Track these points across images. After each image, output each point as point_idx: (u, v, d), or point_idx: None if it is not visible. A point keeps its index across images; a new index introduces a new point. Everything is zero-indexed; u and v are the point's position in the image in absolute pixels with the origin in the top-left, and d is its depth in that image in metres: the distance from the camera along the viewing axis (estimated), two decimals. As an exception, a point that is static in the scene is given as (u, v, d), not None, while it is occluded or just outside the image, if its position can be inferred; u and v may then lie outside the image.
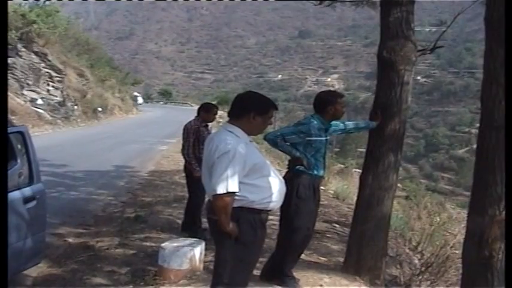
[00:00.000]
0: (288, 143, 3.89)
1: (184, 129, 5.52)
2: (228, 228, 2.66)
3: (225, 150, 2.62)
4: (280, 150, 4.12)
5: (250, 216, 2.72)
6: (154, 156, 13.06)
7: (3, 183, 2.91)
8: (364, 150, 4.92)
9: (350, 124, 4.41)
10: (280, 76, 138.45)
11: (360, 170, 4.90)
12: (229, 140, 2.66)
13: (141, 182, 9.19)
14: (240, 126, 2.76)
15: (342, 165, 22.44)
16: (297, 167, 3.85)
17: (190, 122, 5.55)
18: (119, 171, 10.27)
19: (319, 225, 5.72)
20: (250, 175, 2.67)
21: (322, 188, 9.20)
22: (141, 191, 8.30)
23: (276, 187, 2.78)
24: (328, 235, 5.85)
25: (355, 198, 5.16)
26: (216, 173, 2.62)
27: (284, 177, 3.93)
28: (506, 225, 2.54)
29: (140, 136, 18.59)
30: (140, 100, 47.01)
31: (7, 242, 3.04)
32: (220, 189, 2.58)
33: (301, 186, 3.86)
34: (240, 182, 2.62)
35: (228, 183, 2.58)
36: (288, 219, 3.91)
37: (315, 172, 3.92)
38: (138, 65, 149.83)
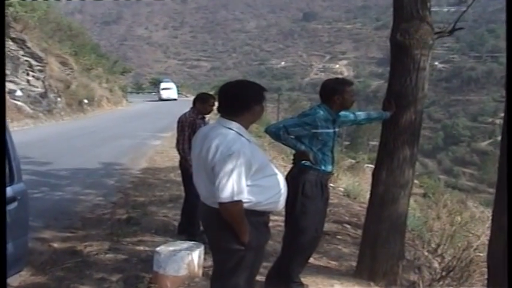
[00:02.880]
0: (292, 136, 3.88)
1: (178, 122, 5.52)
2: (246, 238, 2.71)
3: (228, 152, 2.61)
4: (284, 144, 4.11)
5: (254, 219, 2.74)
6: (146, 152, 13.08)
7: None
8: (376, 143, 4.93)
9: (361, 115, 4.40)
10: (283, 63, 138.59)
11: (373, 166, 4.91)
12: (231, 139, 2.66)
13: (133, 181, 9.21)
14: (239, 121, 2.76)
15: (353, 160, 22.51)
16: (303, 162, 3.85)
17: (185, 114, 5.55)
18: (108, 169, 10.29)
19: (328, 226, 5.73)
20: (254, 176, 2.69)
21: (331, 185, 9.25)
22: (133, 191, 8.31)
23: (280, 186, 2.80)
24: (338, 237, 5.87)
25: (367, 196, 5.17)
26: (220, 178, 2.61)
27: (289, 174, 3.98)
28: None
29: (131, 130, 18.62)
30: (171, 93, 47.76)
31: (5, 245, 3.06)
32: (227, 197, 2.59)
33: (307, 183, 3.86)
34: (246, 185, 2.66)
35: (235, 190, 2.60)
36: (294, 220, 3.92)
37: (323, 168, 3.92)
38: (127, 52, 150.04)
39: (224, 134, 2.69)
